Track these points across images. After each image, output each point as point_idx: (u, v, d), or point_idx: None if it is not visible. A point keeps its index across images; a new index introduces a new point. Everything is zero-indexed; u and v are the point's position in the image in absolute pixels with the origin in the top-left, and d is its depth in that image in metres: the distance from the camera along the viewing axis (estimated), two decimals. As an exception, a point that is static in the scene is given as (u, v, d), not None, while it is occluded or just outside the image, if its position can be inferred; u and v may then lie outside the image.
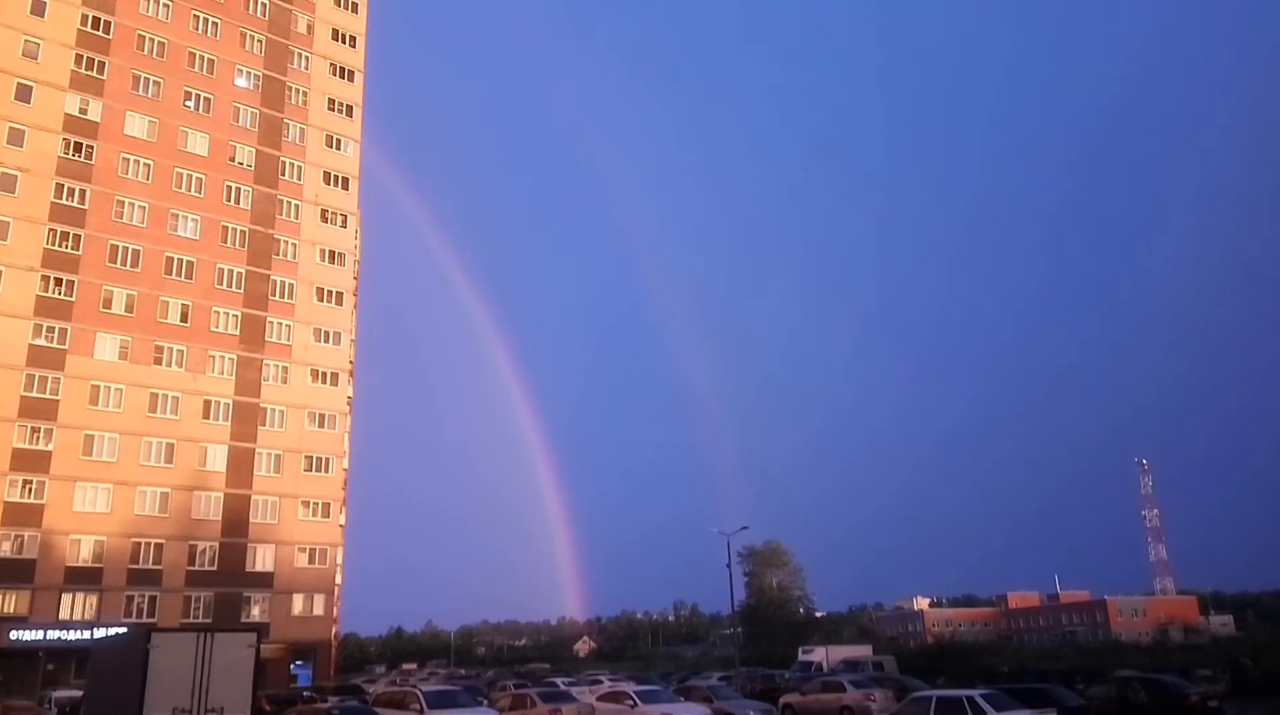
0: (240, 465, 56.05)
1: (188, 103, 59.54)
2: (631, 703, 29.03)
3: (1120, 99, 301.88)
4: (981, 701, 20.45)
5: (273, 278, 60.02)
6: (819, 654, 54.50)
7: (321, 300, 61.63)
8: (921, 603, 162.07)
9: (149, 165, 57.16)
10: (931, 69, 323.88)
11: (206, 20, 61.34)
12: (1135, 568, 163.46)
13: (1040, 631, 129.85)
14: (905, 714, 21.66)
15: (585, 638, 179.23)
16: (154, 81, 58.49)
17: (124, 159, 56.39)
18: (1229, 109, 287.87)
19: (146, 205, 56.44)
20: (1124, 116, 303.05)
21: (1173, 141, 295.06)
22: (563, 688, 35.45)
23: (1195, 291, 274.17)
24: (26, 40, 54.94)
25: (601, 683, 42.54)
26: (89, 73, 56.42)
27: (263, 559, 55.64)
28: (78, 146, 55.13)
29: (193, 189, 58.37)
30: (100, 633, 42.58)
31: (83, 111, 55.76)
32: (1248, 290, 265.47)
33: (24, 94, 54.15)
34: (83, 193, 54.66)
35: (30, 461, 50.01)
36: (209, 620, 51.12)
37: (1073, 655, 61.10)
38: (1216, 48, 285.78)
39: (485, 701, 30.54)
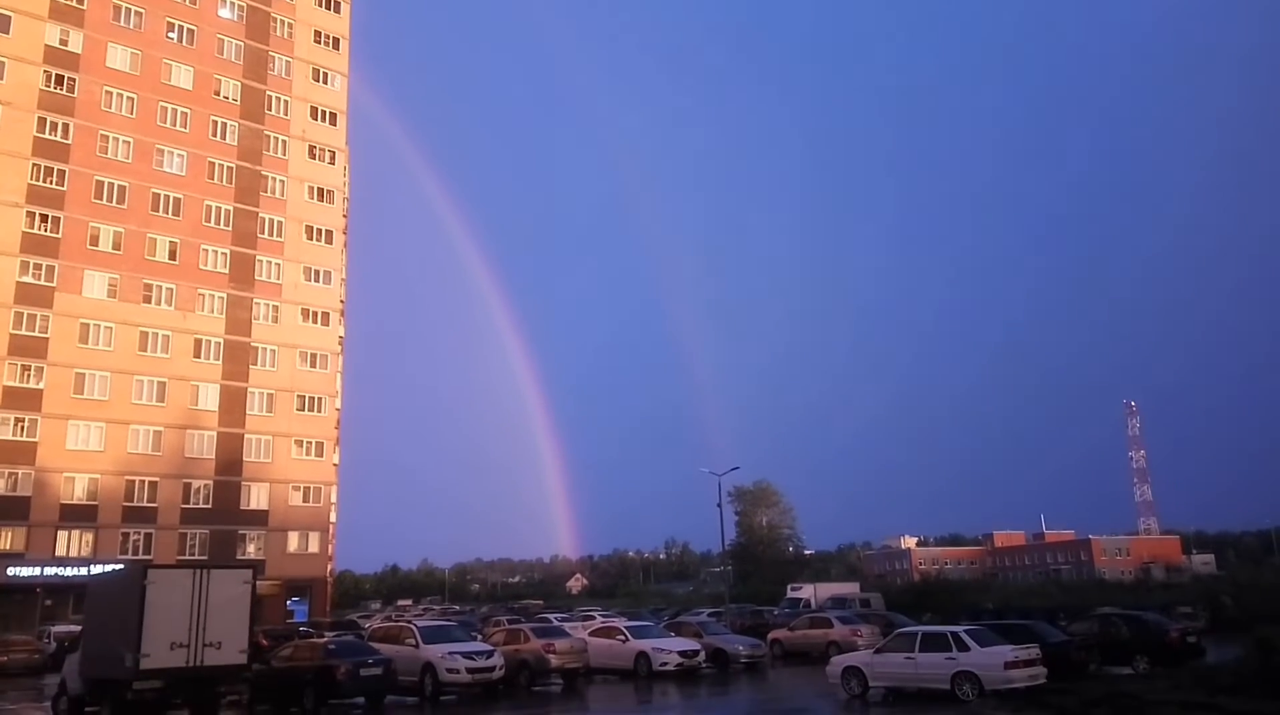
0: (232, 404, 56.07)
1: (170, 34, 58.18)
2: (623, 637, 29.48)
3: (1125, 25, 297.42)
4: (965, 636, 20.77)
5: (261, 215, 59.35)
6: (807, 591, 55.39)
7: (311, 238, 61.06)
8: (908, 541, 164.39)
9: (133, 99, 56.05)
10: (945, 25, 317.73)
11: (188, -52, 59.56)
12: (1120, 508, 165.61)
13: (1025, 570, 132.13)
14: (891, 649, 22.01)
15: (578, 575, 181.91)
16: (135, 11, 57.05)
17: (107, 92, 55.26)
18: (1235, 47, 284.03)
19: (131, 140, 55.49)
20: (1129, 48, 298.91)
21: (1173, 79, 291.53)
22: (556, 623, 35.96)
23: (1183, 237, 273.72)
24: (2, -32, 53.36)
25: (594, 618, 43.15)
26: (68, 2, 54.94)
27: (257, 497, 56.00)
28: (59, 79, 53.97)
29: (178, 124, 57.36)
30: (97, 569, 42.92)
31: (63, 42, 54.46)
32: (1235, 237, 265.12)
33: (2, 24, 52.80)
34: (66, 127, 53.68)
35: (22, 399, 49.94)
36: (204, 557, 51.60)
37: (1056, 592, 62.15)
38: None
39: (479, 636, 30.96)
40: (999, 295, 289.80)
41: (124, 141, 55.31)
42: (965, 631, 21.22)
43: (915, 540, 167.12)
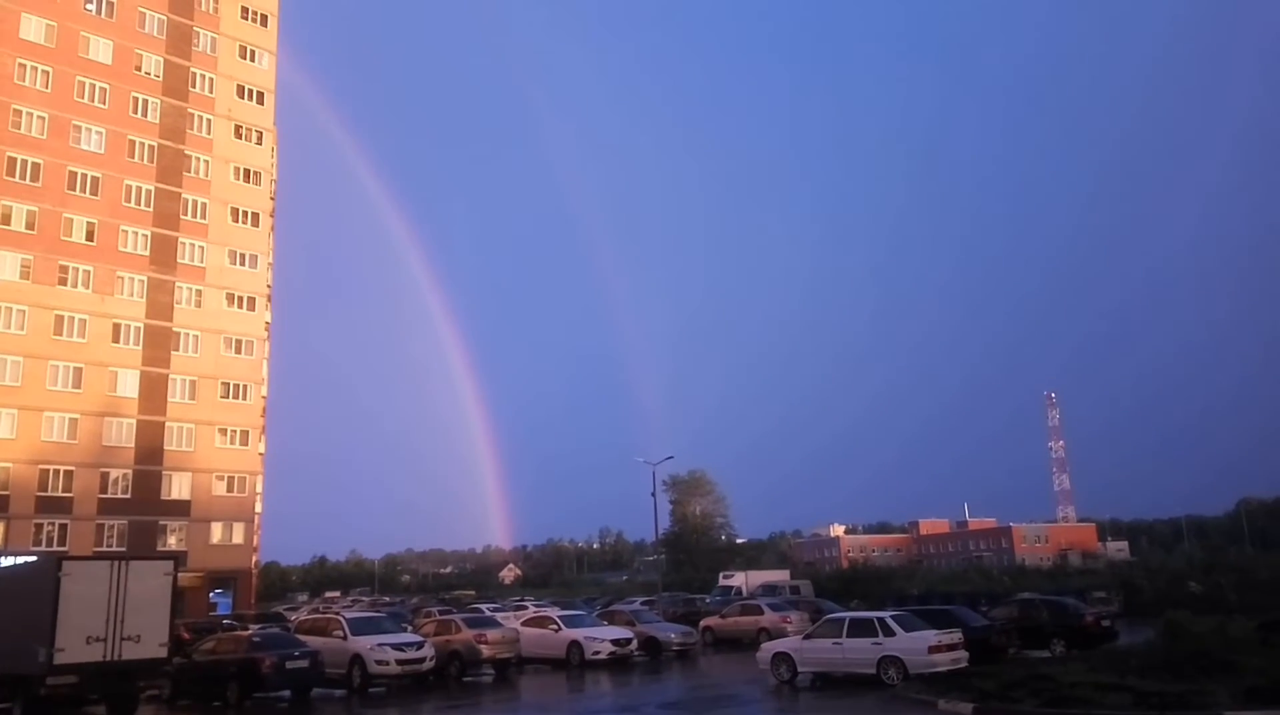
0: (153, 391, 54.37)
1: (89, 6, 55.91)
2: (556, 627, 29.51)
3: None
4: (891, 622, 21.29)
5: (184, 196, 57.50)
6: (739, 579, 55.93)
7: (236, 221, 59.38)
8: (837, 529, 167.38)
9: (48, 73, 53.77)
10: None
11: (107, -83, 57.26)
12: (1040, 497, 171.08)
13: (949, 557, 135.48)
14: (819, 635, 22.42)
15: (511, 565, 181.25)
16: (51, -18, 54.68)
17: (20, 65, 52.87)
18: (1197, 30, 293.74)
19: (46, 115, 53.25)
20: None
21: (1081, 83, 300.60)
22: (488, 614, 35.81)
23: (1098, 236, 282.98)
24: (-95, -70, 50.68)
25: (526, 608, 43.10)
26: (-23, -30, 52.44)
27: (179, 487, 54.46)
28: (-33, 50, 51.49)
29: (96, 99, 55.19)
30: (7, 561, 41.29)
31: (-28, 12, 51.97)
32: (1147, 238, 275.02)
33: (-95, -10, 50.20)
34: (-26, 100, 51.29)
35: (-75, 385, 47.71)
36: (123, 549, 49.98)
37: (978, 579, 63.85)
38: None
39: (409, 627, 30.70)
40: (924, 292, 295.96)
41: (38, 117, 53.06)
42: (891, 617, 21.74)
43: (844, 528, 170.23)
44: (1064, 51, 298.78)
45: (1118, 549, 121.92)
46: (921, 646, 20.38)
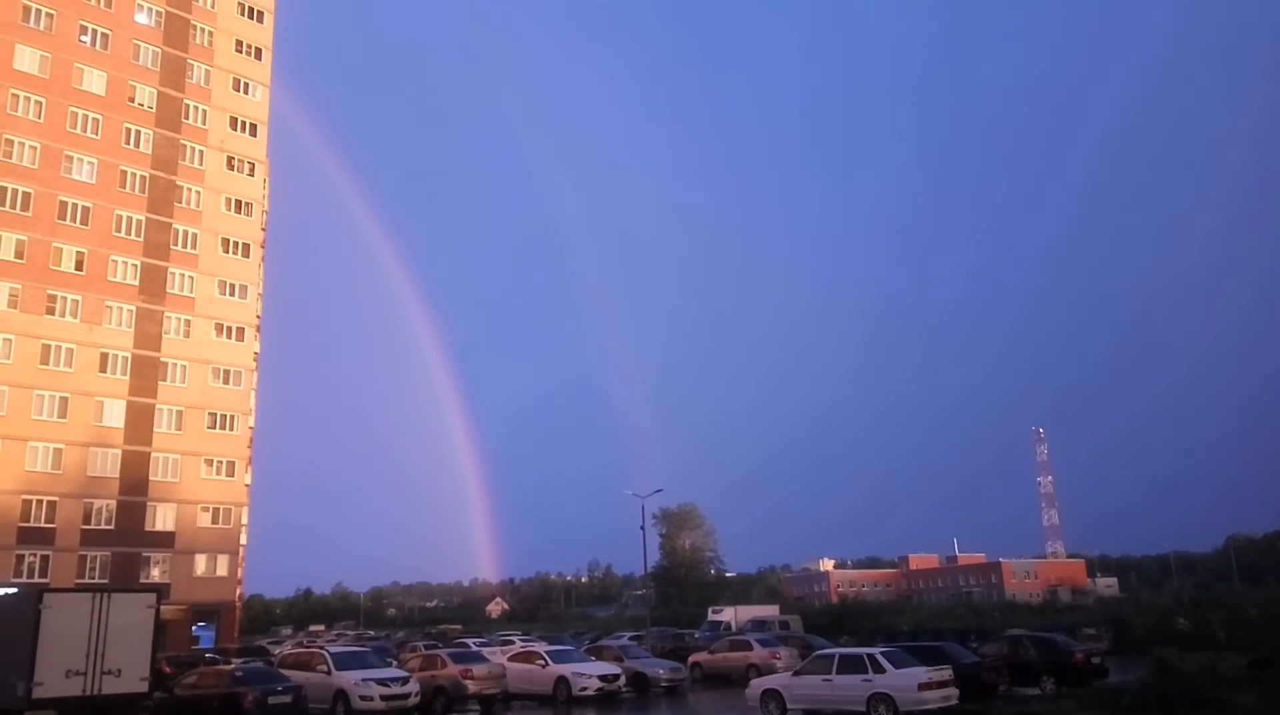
0: (139, 421, 53.99)
1: (83, 38, 56.25)
2: (543, 663, 29.24)
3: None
4: (881, 658, 21.17)
5: (175, 227, 57.52)
6: (728, 614, 55.63)
7: (227, 252, 59.36)
8: (827, 564, 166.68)
9: (41, 103, 53.93)
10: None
11: (105, -49, 57.77)
12: (1029, 532, 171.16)
13: (939, 592, 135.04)
14: (809, 671, 22.27)
15: (498, 599, 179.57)
16: (46, 13, 54.97)
17: (13, 95, 53.01)
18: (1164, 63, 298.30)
19: (38, 146, 53.32)
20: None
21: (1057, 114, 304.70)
22: (474, 648, 35.49)
23: (1078, 271, 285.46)
24: (-98, -38, 50.98)
25: (513, 643, 42.77)
26: (-27, 1, 52.72)
27: (163, 518, 53.91)
28: (-39, 80, 51.62)
29: (89, 130, 55.34)
30: (-13, 593, 40.72)
31: (-34, 42, 52.17)
32: (1127, 272, 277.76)
33: (-100, 20, 50.37)
34: (-33, 130, 51.32)
35: (-91, 414, 47.24)
36: (106, 581, 49.36)
37: (968, 614, 63.73)
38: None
39: (395, 662, 30.36)
40: (917, 327, 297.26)
41: (30, 146, 53.12)
42: (881, 653, 21.62)
43: (833, 563, 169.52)
44: (1064, 90, 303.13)
45: (1107, 585, 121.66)
46: (912, 683, 20.24)
